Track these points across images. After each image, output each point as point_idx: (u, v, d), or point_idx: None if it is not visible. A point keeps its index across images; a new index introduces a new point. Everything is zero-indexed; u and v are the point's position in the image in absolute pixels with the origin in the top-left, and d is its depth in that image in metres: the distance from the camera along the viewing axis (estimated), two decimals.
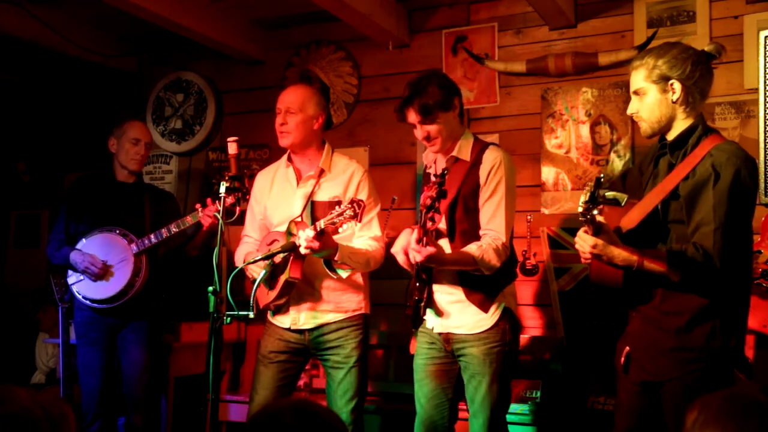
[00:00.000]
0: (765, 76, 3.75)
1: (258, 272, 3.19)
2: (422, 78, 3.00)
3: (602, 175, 2.47)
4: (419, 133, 3.01)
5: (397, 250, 2.95)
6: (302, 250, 2.98)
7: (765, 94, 3.75)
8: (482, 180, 2.95)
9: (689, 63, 2.43)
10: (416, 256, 2.77)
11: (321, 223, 2.92)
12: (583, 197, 2.27)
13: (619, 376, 2.59)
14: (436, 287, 3.01)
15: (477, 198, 2.96)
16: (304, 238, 2.94)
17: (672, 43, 2.55)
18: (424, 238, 2.77)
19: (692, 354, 2.37)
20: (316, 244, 2.93)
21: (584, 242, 2.39)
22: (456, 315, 2.99)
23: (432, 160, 3.16)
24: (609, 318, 2.66)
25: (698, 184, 2.37)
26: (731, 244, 2.33)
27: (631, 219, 2.47)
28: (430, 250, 2.76)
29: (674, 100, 2.44)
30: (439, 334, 3.03)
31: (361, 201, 2.88)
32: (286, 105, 3.31)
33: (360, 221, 2.91)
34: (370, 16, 4.21)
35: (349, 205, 2.87)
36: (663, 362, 2.41)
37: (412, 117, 2.98)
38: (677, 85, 2.43)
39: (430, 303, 2.99)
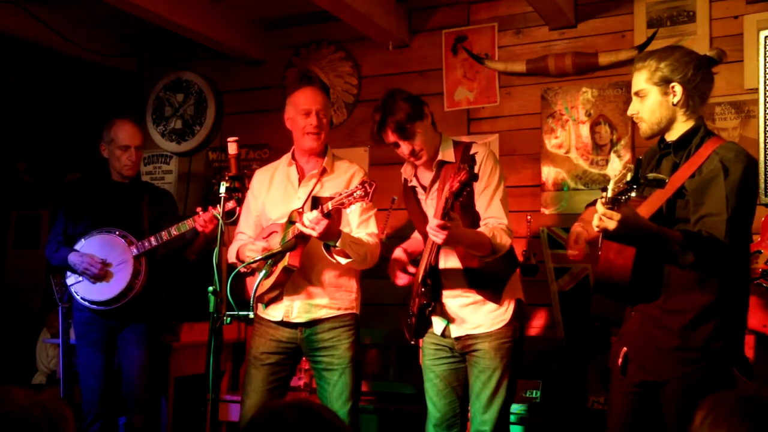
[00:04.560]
0: (765, 76, 3.75)
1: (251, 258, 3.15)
2: (386, 98, 3.00)
3: (641, 157, 2.47)
4: (404, 149, 3.01)
5: (394, 271, 3.05)
6: (306, 231, 2.93)
7: (765, 94, 3.75)
8: None
9: (691, 67, 2.46)
10: (438, 237, 2.69)
11: (329, 205, 2.87)
12: (612, 185, 2.22)
13: (613, 377, 2.59)
14: (446, 293, 3.01)
15: (471, 194, 2.96)
16: (309, 219, 2.89)
17: (674, 46, 2.60)
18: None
19: (694, 354, 2.37)
20: (321, 227, 2.88)
21: (609, 218, 2.22)
22: (471, 316, 3.00)
23: (411, 174, 3.15)
24: (610, 319, 2.64)
25: (707, 178, 2.38)
26: (738, 237, 2.34)
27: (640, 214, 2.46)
28: (447, 230, 2.68)
29: (675, 102, 2.47)
30: (457, 338, 3.03)
31: (373, 181, 2.83)
32: (318, 106, 3.28)
33: (370, 200, 2.85)
34: (370, 16, 4.21)
35: (360, 186, 2.82)
36: (665, 362, 2.41)
37: (391, 137, 2.99)
38: (678, 88, 2.46)
39: (438, 308, 3.01)
